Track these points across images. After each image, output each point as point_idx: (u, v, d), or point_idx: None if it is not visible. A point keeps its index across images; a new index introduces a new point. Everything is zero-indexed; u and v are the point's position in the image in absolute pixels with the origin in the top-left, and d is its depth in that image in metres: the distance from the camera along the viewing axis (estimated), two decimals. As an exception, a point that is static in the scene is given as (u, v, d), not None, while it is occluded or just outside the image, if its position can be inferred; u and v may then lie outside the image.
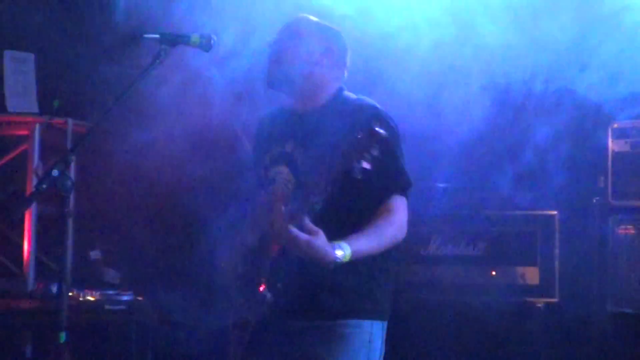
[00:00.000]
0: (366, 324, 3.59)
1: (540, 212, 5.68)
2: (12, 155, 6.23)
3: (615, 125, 5.58)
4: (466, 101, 5.64)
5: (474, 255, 5.77)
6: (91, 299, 5.79)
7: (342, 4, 5.11)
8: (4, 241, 6.19)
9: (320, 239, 3.30)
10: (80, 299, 5.77)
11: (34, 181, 5.72)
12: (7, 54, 6.15)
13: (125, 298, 5.85)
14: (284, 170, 3.64)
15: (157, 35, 3.57)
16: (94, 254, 6.30)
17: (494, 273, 5.73)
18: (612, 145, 5.57)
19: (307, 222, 3.28)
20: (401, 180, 3.60)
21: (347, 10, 5.13)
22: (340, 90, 3.73)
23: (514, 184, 5.68)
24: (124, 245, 6.35)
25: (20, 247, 5.99)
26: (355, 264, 3.44)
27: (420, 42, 5.16)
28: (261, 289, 3.46)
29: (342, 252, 3.36)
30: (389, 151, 3.44)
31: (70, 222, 5.70)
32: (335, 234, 3.39)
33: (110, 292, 5.92)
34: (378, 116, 3.54)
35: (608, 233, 5.51)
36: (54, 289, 5.71)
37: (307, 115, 3.67)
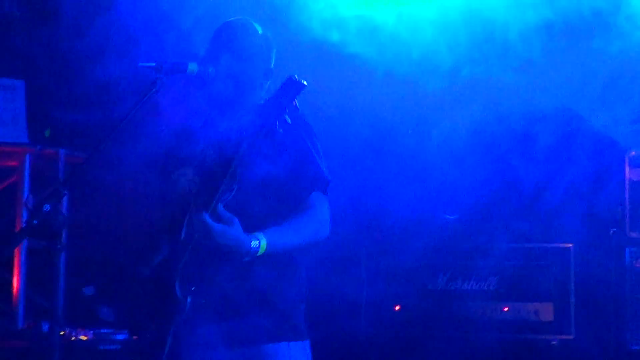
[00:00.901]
0: (282, 347, 3.47)
1: (554, 245, 5.60)
2: (0, 187, 6.14)
3: (632, 153, 5.50)
4: (479, 133, 5.61)
5: (485, 290, 5.69)
6: (84, 338, 5.70)
7: (352, 43, 5.00)
8: (-9, 278, 6.15)
9: (235, 228, 3.28)
10: (73, 338, 5.68)
11: (24, 215, 5.64)
12: (-4, 81, 6.15)
13: (120, 337, 5.74)
14: (188, 172, 3.62)
15: (153, 64, 3.50)
16: (88, 290, 6.19)
17: (506, 309, 5.63)
18: (629, 174, 5.48)
19: (221, 209, 3.28)
20: (319, 178, 3.56)
21: (357, 49, 5.02)
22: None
23: (527, 216, 5.62)
24: (119, 281, 6.19)
25: (9, 283, 5.89)
26: (260, 271, 3.41)
27: (437, 71, 5.07)
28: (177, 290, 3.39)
29: (257, 242, 3.33)
30: (304, 147, 3.50)
31: (62, 257, 5.66)
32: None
33: (105, 330, 5.83)
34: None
35: (626, 266, 5.40)
36: (45, 327, 5.64)
37: (226, 120, 3.63)
